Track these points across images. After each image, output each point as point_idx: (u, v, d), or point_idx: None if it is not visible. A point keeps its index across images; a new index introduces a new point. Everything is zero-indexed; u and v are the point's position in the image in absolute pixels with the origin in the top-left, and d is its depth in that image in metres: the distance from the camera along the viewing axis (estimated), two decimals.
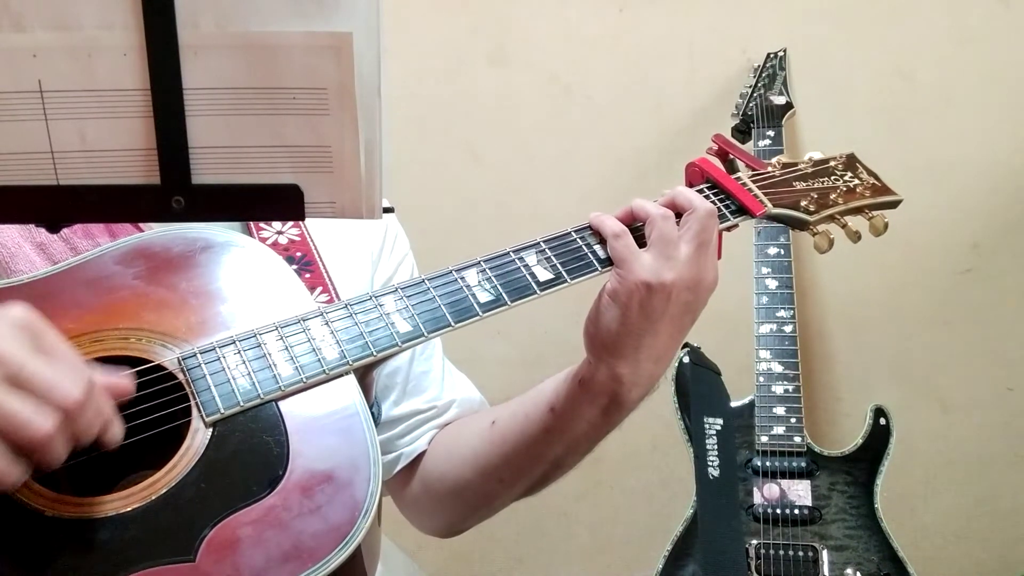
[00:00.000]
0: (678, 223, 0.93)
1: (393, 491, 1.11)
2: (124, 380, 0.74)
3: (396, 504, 1.12)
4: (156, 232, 0.90)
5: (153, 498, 0.75)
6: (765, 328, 1.79)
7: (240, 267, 0.90)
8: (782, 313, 1.79)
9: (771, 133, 1.83)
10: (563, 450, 0.99)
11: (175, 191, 0.71)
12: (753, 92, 1.88)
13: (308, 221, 1.01)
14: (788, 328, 1.78)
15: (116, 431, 0.72)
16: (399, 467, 1.07)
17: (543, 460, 1.00)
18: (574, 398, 0.95)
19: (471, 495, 1.06)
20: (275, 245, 0.99)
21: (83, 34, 0.66)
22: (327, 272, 1.00)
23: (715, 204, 0.99)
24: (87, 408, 0.68)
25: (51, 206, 0.71)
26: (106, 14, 0.66)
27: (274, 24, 0.67)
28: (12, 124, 0.69)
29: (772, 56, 1.92)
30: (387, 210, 0.75)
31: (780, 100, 1.86)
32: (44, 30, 0.66)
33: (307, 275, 0.98)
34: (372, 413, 0.84)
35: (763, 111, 1.85)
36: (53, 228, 0.79)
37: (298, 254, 1.00)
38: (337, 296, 0.98)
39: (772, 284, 1.80)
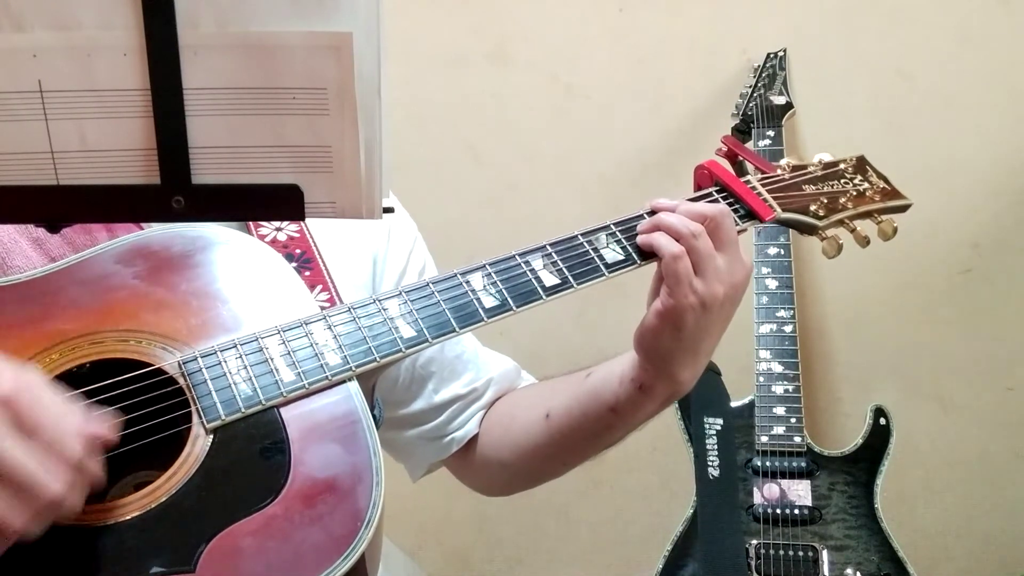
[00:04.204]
0: None
1: (449, 466, 1.17)
2: (109, 432, 0.72)
3: (452, 473, 1.18)
4: (156, 231, 0.89)
5: (152, 506, 0.74)
6: (765, 328, 1.79)
7: (240, 267, 0.89)
8: (782, 313, 1.79)
9: (771, 133, 1.83)
10: (621, 435, 1.04)
11: (175, 191, 0.71)
12: (753, 92, 1.88)
13: (304, 221, 1.01)
14: (788, 328, 1.78)
15: (101, 485, 0.72)
16: (453, 450, 1.12)
17: (602, 446, 1.06)
18: (635, 400, 0.98)
19: (535, 473, 1.12)
20: (274, 242, 0.98)
21: (83, 34, 0.66)
22: (327, 269, 0.99)
23: None
24: (67, 497, 0.67)
25: (51, 206, 0.71)
26: (106, 14, 0.66)
27: (274, 24, 0.67)
28: (12, 124, 0.69)
29: (772, 56, 1.92)
30: (387, 210, 0.75)
31: (780, 100, 1.86)
32: (44, 30, 0.66)
33: (307, 272, 0.97)
34: (373, 415, 0.83)
35: (763, 111, 1.85)
36: (53, 228, 0.79)
37: (297, 251, 0.99)
38: (337, 294, 0.97)
39: (772, 284, 1.80)
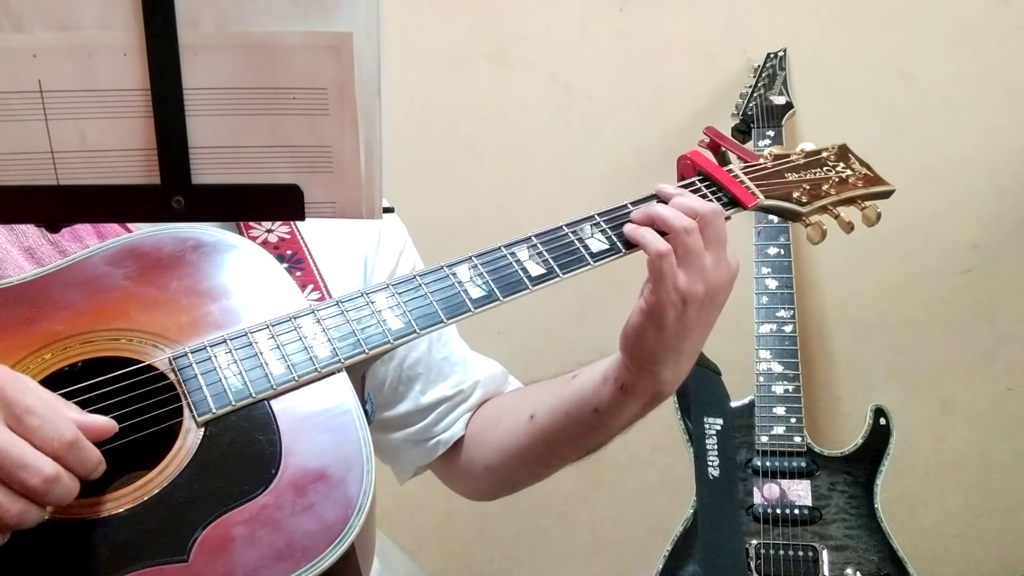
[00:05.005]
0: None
1: (435, 470, 1.16)
2: (105, 422, 0.73)
3: (438, 477, 1.18)
4: (146, 232, 0.90)
5: (146, 499, 0.75)
6: (765, 328, 1.79)
7: (231, 266, 0.90)
8: (782, 313, 1.79)
9: (771, 133, 1.83)
10: (606, 438, 1.04)
11: (175, 191, 0.71)
12: (753, 92, 1.88)
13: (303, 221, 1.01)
14: (788, 328, 1.78)
15: (101, 470, 0.72)
16: (439, 453, 1.12)
17: (586, 448, 1.05)
18: (618, 401, 0.98)
19: (518, 477, 1.12)
20: (265, 243, 0.99)
21: (83, 34, 0.66)
22: (318, 269, 1.00)
23: (707, 196, 1.01)
24: (61, 478, 0.68)
25: (51, 206, 0.72)
26: (106, 14, 0.66)
27: (274, 24, 0.67)
28: (12, 124, 0.69)
29: (772, 56, 1.92)
30: (387, 210, 0.75)
31: (780, 100, 1.86)
32: (44, 30, 0.66)
33: (297, 273, 0.98)
34: (365, 411, 0.84)
35: (763, 111, 1.85)
36: (53, 228, 0.79)
37: (288, 252, 1.00)
38: (328, 293, 0.98)
39: (772, 284, 1.80)
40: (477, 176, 2.08)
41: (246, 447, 0.78)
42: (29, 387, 0.69)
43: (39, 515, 0.69)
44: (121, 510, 0.75)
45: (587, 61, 2.01)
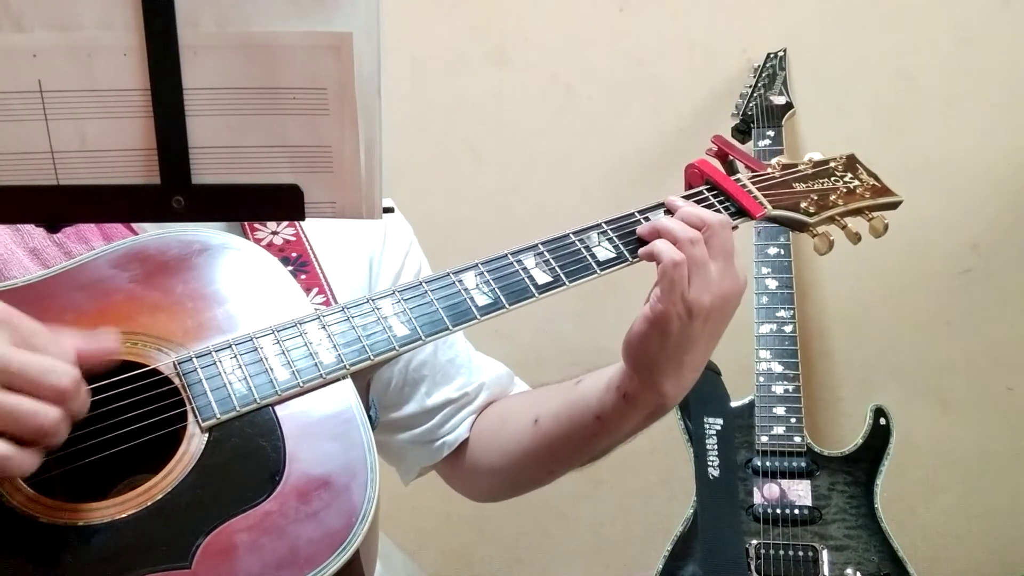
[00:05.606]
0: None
1: (439, 471, 1.17)
2: (108, 340, 0.74)
3: (442, 478, 1.18)
4: (152, 235, 0.90)
5: (148, 504, 0.75)
6: (765, 328, 1.79)
7: (236, 270, 0.90)
8: (782, 313, 1.79)
9: (771, 133, 1.83)
10: (608, 445, 1.04)
11: (175, 191, 0.71)
12: (753, 92, 1.88)
13: (303, 221, 1.01)
14: (788, 328, 1.78)
15: (84, 401, 0.73)
16: (444, 454, 1.12)
17: (589, 454, 1.06)
18: (620, 409, 0.98)
19: (522, 480, 1.12)
20: (270, 246, 0.99)
21: (83, 34, 0.66)
22: (323, 272, 1.00)
23: (714, 206, 1.00)
24: (81, 384, 0.70)
25: (51, 206, 0.72)
26: (106, 14, 0.66)
27: (274, 24, 0.67)
28: (12, 124, 0.69)
29: (772, 56, 1.92)
30: (387, 210, 0.75)
31: (780, 100, 1.86)
32: (44, 30, 0.66)
33: (303, 276, 0.97)
34: (369, 416, 0.83)
35: (763, 111, 1.85)
36: (53, 228, 0.79)
37: (293, 254, 1.00)
38: (333, 297, 0.98)
39: (772, 284, 1.80)
40: (477, 176, 2.08)
41: (250, 453, 0.78)
42: (27, 317, 0.71)
43: (67, 428, 0.69)
44: (123, 515, 0.74)
45: (587, 61, 2.01)
